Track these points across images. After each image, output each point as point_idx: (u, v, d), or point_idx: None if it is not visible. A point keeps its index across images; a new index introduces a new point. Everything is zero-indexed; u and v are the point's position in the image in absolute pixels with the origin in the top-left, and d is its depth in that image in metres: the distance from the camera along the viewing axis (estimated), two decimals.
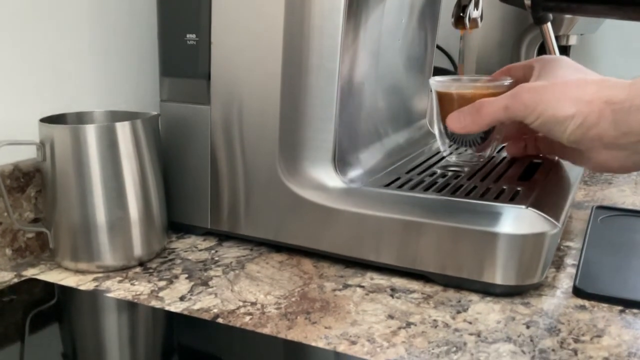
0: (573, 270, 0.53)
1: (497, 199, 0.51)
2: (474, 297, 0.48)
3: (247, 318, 0.45)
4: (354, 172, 0.57)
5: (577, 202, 0.72)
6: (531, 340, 0.41)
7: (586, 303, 0.47)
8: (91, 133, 0.51)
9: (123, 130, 0.52)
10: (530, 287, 0.48)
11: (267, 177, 0.55)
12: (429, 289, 0.50)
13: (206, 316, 0.45)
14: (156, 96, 0.61)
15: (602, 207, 0.67)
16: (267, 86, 0.54)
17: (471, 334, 0.42)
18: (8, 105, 0.55)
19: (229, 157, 0.57)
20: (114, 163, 0.52)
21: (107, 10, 0.63)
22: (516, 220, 0.47)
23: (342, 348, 0.41)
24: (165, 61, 0.59)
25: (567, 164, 0.63)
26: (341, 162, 0.55)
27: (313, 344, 0.41)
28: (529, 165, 0.62)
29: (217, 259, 0.56)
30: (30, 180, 0.56)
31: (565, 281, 0.51)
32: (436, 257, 0.49)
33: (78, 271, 0.53)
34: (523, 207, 0.48)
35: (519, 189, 0.53)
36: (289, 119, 0.54)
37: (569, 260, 0.55)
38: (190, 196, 0.61)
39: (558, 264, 0.54)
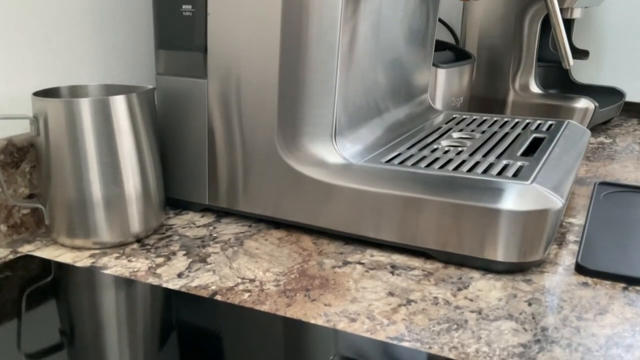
0: (575, 247, 0.52)
1: (499, 174, 0.50)
2: (475, 274, 0.48)
3: (246, 295, 0.44)
4: (354, 148, 0.56)
5: (580, 178, 0.71)
6: (533, 318, 0.41)
7: (589, 280, 0.46)
8: (85, 107, 0.50)
9: (118, 104, 0.51)
10: (533, 264, 0.48)
11: (265, 152, 0.55)
12: (429, 265, 0.49)
13: (204, 293, 0.45)
14: (152, 69, 0.59)
15: (604, 184, 0.67)
16: (265, 59, 0.52)
17: (472, 311, 0.42)
18: (1, 80, 0.54)
19: (227, 132, 0.56)
20: (109, 138, 0.51)
21: None
22: (519, 196, 0.46)
23: (342, 325, 0.40)
24: (161, 33, 0.57)
25: (570, 138, 0.62)
26: (340, 138, 0.54)
27: (312, 321, 0.41)
28: (533, 141, 0.62)
29: (215, 235, 0.56)
30: (24, 155, 0.55)
31: (567, 258, 0.50)
32: (437, 233, 0.48)
33: (74, 247, 0.53)
34: (526, 182, 0.47)
35: (521, 164, 0.53)
36: (288, 93, 0.53)
37: (571, 237, 0.54)
38: (188, 172, 0.60)
39: (560, 241, 0.54)
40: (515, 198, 0.46)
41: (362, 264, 0.50)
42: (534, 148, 0.59)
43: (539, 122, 0.70)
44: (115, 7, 0.63)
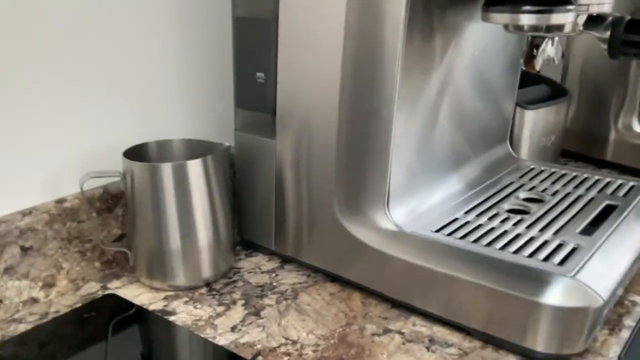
0: (628, 335, 0.50)
1: (547, 259, 0.49)
2: (512, 358, 0.48)
3: (285, 359, 0.49)
4: (409, 214, 0.57)
5: None
6: None
7: None
8: (167, 171, 0.56)
9: (194, 167, 0.57)
10: (573, 355, 0.47)
11: (324, 212, 0.58)
12: (467, 343, 0.50)
13: (249, 352, 0.49)
14: (232, 125, 0.65)
15: None
16: (325, 124, 0.55)
17: None
18: (100, 132, 0.62)
19: (292, 188, 0.60)
20: (185, 196, 0.57)
21: (192, 42, 0.68)
22: (558, 289, 0.46)
23: None
24: (239, 94, 0.63)
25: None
26: (395, 203, 0.56)
27: None
28: (606, 208, 0.59)
29: (275, 284, 0.60)
30: (117, 201, 0.63)
31: (614, 348, 0.49)
32: (478, 314, 0.49)
33: (152, 288, 0.60)
34: (569, 275, 0.46)
35: (575, 246, 0.52)
36: (344, 158, 0.56)
37: (628, 322, 0.53)
38: (258, 219, 0.65)
39: (614, 324, 0.52)
40: (553, 291, 0.46)
41: (402, 333, 0.52)
42: (604, 217, 0.57)
43: (620, 182, 0.67)
44: (206, 69, 0.69)
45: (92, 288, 0.60)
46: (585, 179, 0.68)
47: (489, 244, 0.52)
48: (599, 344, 0.50)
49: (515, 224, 0.57)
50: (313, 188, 0.59)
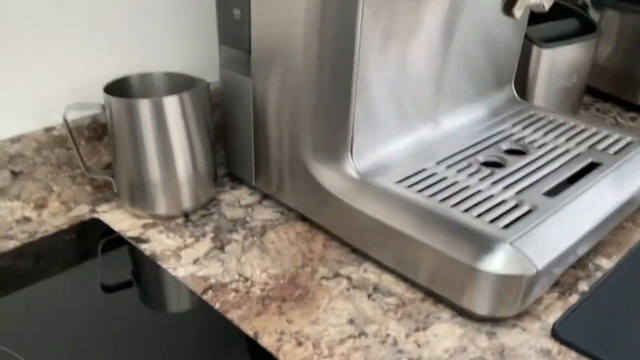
0: (576, 300, 0.50)
1: (495, 220, 0.49)
2: (446, 314, 0.49)
3: (232, 295, 0.52)
4: (375, 163, 0.57)
5: None
6: None
7: (555, 348, 0.45)
8: (144, 106, 0.58)
9: (171, 103, 0.59)
10: (508, 317, 0.48)
11: (294, 155, 0.59)
12: (409, 295, 0.51)
13: (201, 286, 0.53)
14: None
15: None
16: (295, 68, 0.55)
17: (410, 359, 0.45)
18: (92, 63, 0.64)
19: (267, 128, 0.61)
20: (162, 131, 0.59)
21: None
22: (494, 255, 0.45)
23: (287, 347, 0.46)
24: (220, 30, 0.62)
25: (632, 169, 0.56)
26: (360, 151, 0.56)
27: (265, 337, 0.47)
28: (585, 168, 0.57)
29: (248, 219, 0.63)
30: (106, 129, 0.65)
31: (555, 313, 0.49)
32: (423, 269, 0.50)
33: (135, 215, 0.64)
34: (507, 241, 0.46)
35: (531, 208, 0.50)
36: (312, 104, 0.55)
37: (582, 286, 0.52)
38: (240, 154, 0.66)
39: (567, 288, 0.52)
40: (489, 257, 0.45)
41: (350, 279, 0.53)
42: (584, 175, 0.55)
43: (618, 136, 0.63)
44: (190, 4, 0.69)
45: (82, 210, 0.65)
46: (583, 130, 0.65)
47: (444, 199, 0.52)
48: (542, 307, 0.50)
49: (482, 179, 0.55)
50: (285, 130, 0.59)
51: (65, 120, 0.60)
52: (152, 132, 0.59)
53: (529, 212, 0.50)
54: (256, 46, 0.58)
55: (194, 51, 0.72)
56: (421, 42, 0.57)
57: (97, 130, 0.65)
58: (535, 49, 0.78)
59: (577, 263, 0.55)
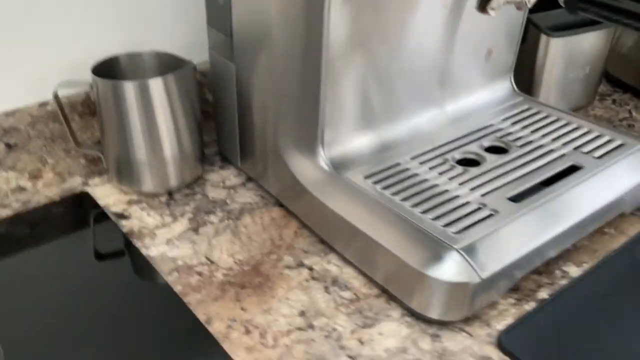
0: (531, 308, 0.49)
1: (450, 224, 0.49)
2: (396, 313, 0.50)
3: (195, 278, 0.54)
4: (348, 154, 0.57)
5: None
6: None
7: (497, 357, 0.45)
8: (129, 88, 0.60)
9: (157, 85, 0.60)
10: (455, 321, 0.48)
11: (272, 142, 0.59)
12: (365, 290, 0.52)
13: (168, 266, 0.55)
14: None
15: None
16: (272, 55, 0.55)
17: (349, 357, 0.46)
18: (87, 39, 0.66)
19: (249, 113, 0.61)
20: (148, 112, 0.60)
21: None
22: (442, 261, 0.45)
23: (234, 335, 0.48)
24: (207, 14, 0.63)
25: (612, 174, 0.54)
26: (333, 144, 0.56)
27: (216, 323, 0.49)
28: (565, 171, 0.55)
29: (228, 201, 0.64)
30: None
31: (507, 321, 0.49)
32: (379, 267, 0.50)
33: (122, 190, 0.66)
34: (455, 248, 0.46)
35: (491, 213, 0.50)
36: (288, 92, 0.56)
37: (542, 294, 0.51)
38: (228, 136, 0.68)
39: (527, 294, 0.51)
40: (436, 262, 0.46)
41: (312, 270, 0.55)
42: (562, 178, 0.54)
43: (609, 138, 0.61)
44: None
45: (75, 182, 0.68)
46: (575, 129, 0.63)
47: (407, 198, 0.52)
48: (495, 313, 0.49)
49: (452, 178, 0.55)
50: (265, 116, 0.60)
51: (55, 97, 0.62)
52: (138, 113, 0.61)
53: (488, 216, 0.49)
54: (237, 31, 0.58)
55: (187, 31, 0.72)
56: (400, 33, 0.56)
57: (90, 106, 0.67)
58: (543, 38, 0.76)
59: (544, 268, 0.54)
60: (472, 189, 0.53)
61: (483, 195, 0.52)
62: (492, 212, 0.50)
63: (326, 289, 0.52)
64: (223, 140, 0.69)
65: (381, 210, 0.50)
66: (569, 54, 0.77)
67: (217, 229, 0.60)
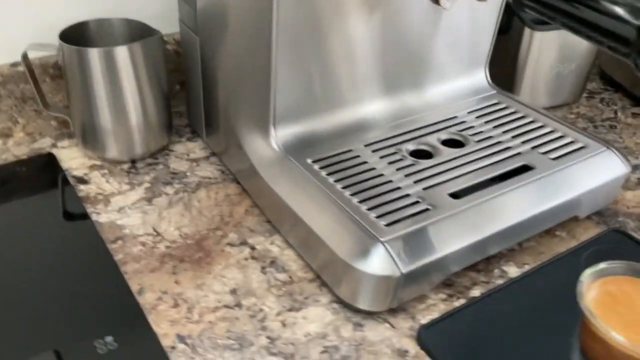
0: (459, 305, 0.50)
1: (385, 215, 0.49)
2: (326, 299, 0.50)
3: (137, 248, 0.55)
4: (302, 137, 0.57)
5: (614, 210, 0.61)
6: None
7: (414, 351, 0.46)
8: (94, 55, 0.60)
9: (122, 53, 0.60)
10: (380, 312, 0.48)
11: (229, 120, 0.60)
12: (301, 274, 0.53)
13: (114, 234, 0.56)
14: None
15: (619, 232, 0.57)
16: (230, 32, 0.55)
17: (268, 338, 0.46)
18: (60, 1, 0.66)
19: (213, 87, 0.61)
20: (113, 80, 0.61)
21: None
22: (366, 253, 0.46)
23: (162, 307, 0.49)
24: None
25: (566, 177, 0.54)
26: (286, 126, 0.56)
27: (148, 294, 0.50)
28: (515, 170, 0.55)
29: (188, 174, 0.65)
30: None
31: (434, 315, 0.49)
32: (314, 254, 0.51)
33: (87, 155, 0.67)
34: (380, 240, 0.46)
35: (428, 207, 0.50)
36: (243, 71, 0.56)
37: (474, 292, 0.51)
38: (195, 108, 0.68)
39: (460, 290, 0.51)
40: (359, 252, 0.46)
41: (254, 249, 0.55)
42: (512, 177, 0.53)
43: (571, 139, 0.60)
44: None
45: (45, 143, 0.69)
46: (539, 127, 0.62)
47: (348, 186, 0.52)
48: (423, 306, 0.50)
49: (400, 169, 0.54)
50: (224, 93, 0.60)
51: (24, 57, 0.63)
52: (103, 80, 0.61)
53: (423, 211, 0.49)
54: (200, 4, 0.58)
55: (163, 0, 0.72)
56: (359, 15, 0.55)
57: (61, 70, 0.68)
58: (527, 31, 0.74)
59: (483, 266, 0.54)
60: (417, 182, 0.53)
61: (425, 188, 0.52)
62: (428, 207, 0.49)
63: (263, 269, 0.53)
64: (191, 113, 0.70)
65: (319, 197, 0.51)
66: (554, 49, 0.75)
67: (171, 201, 0.61)
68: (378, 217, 0.48)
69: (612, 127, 0.78)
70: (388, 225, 0.47)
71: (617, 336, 0.36)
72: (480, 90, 0.68)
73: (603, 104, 0.84)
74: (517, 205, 0.52)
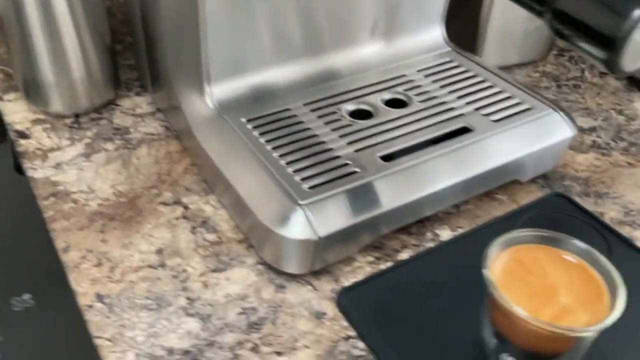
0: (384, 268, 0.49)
1: (310, 177, 0.48)
2: (252, 260, 0.50)
3: (69, 205, 0.54)
4: (239, 95, 0.56)
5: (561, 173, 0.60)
6: (221, 328, 0.44)
7: (332, 314, 0.46)
8: (30, 5, 0.58)
9: (59, 4, 0.58)
10: (304, 274, 0.48)
11: (169, 76, 0.58)
12: (231, 234, 0.52)
13: (48, 190, 0.55)
14: None
15: (561, 197, 0.56)
16: None
17: (188, 299, 0.46)
18: None
19: (154, 41, 0.59)
20: (52, 31, 0.59)
21: None
22: (285, 216, 0.45)
23: (85, 266, 0.49)
24: None
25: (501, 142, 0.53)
26: (219, 81, 0.55)
27: (73, 252, 0.49)
28: (455, 132, 0.53)
29: (131, 130, 0.64)
30: None
31: (359, 278, 0.49)
32: (242, 215, 0.50)
33: (31, 109, 0.66)
34: (300, 204, 0.45)
35: (357, 170, 0.49)
36: (177, 24, 0.54)
37: (403, 255, 0.51)
38: (141, 63, 0.66)
39: (388, 254, 0.51)
40: (277, 215, 0.45)
41: (187, 208, 0.55)
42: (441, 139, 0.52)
43: (518, 100, 0.58)
44: None
45: None
46: (487, 87, 0.60)
47: (279, 147, 0.51)
48: (349, 269, 0.49)
49: (335, 129, 0.53)
50: (162, 49, 0.58)
51: None
52: (41, 32, 0.59)
53: (351, 173, 0.48)
54: None
55: None
56: None
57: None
58: None
59: (417, 229, 0.53)
60: (350, 143, 0.52)
61: (358, 150, 0.51)
62: (356, 169, 0.49)
63: (193, 229, 0.52)
64: (139, 67, 0.68)
65: (247, 158, 0.50)
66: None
67: (109, 158, 0.60)
68: (303, 179, 0.47)
69: (577, 86, 0.76)
70: (311, 188, 0.47)
71: (516, 308, 0.35)
72: (435, 47, 0.66)
73: (572, 62, 0.81)
74: (449, 169, 0.51)
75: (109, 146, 0.61)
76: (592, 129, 0.68)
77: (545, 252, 0.40)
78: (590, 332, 0.35)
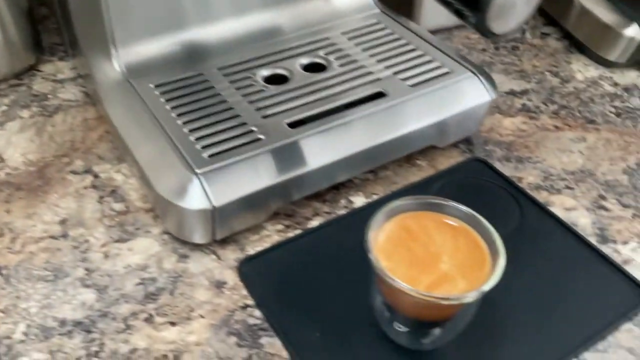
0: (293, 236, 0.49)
1: (211, 146, 0.47)
2: (157, 230, 0.49)
3: None
4: (145, 60, 0.54)
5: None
6: (117, 299, 0.44)
7: (232, 283, 0.45)
8: None
9: None
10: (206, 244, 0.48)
11: (84, 40, 0.56)
12: (140, 204, 0.51)
13: None
14: None
15: (478, 161, 0.56)
16: None
17: (87, 270, 0.46)
18: None
19: (67, 4, 0.57)
20: None
21: None
22: (181, 185, 0.44)
23: None
24: None
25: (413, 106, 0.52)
26: (127, 47, 0.53)
27: None
28: (369, 97, 0.52)
29: (50, 97, 0.62)
30: None
31: (265, 247, 0.48)
32: (149, 187, 0.49)
33: None
34: (196, 172, 0.44)
35: (258, 138, 0.48)
36: None
37: (313, 223, 0.50)
38: (62, 27, 0.64)
39: (298, 222, 0.50)
40: (173, 184, 0.44)
41: (98, 177, 0.54)
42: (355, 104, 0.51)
43: (438, 64, 0.57)
44: None
45: None
46: (409, 50, 0.58)
47: (184, 114, 0.50)
48: (256, 238, 0.49)
49: (246, 95, 0.52)
50: (74, 11, 0.56)
51: None
52: None
53: (254, 141, 0.47)
54: None
55: None
56: None
57: None
58: None
59: (331, 196, 0.53)
60: (259, 109, 0.50)
61: (266, 117, 0.50)
62: (260, 137, 0.48)
63: (101, 198, 0.52)
64: (60, 31, 0.66)
65: (149, 126, 0.48)
66: None
67: (24, 126, 0.58)
68: (204, 147, 0.46)
69: (515, 48, 0.75)
70: (211, 156, 0.46)
71: (392, 276, 0.35)
72: (362, 9, 0.64)
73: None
74: (358, 135, 0.50)
75: (25, 113, 0.60)
76: (524, 92, 0.67)
77: (433, 219, 0.39)
78: (466, 299, 0.35)
